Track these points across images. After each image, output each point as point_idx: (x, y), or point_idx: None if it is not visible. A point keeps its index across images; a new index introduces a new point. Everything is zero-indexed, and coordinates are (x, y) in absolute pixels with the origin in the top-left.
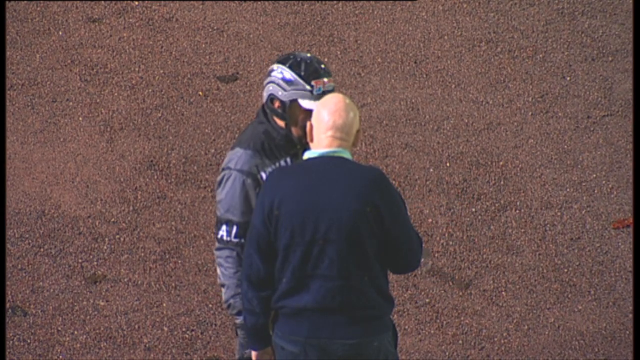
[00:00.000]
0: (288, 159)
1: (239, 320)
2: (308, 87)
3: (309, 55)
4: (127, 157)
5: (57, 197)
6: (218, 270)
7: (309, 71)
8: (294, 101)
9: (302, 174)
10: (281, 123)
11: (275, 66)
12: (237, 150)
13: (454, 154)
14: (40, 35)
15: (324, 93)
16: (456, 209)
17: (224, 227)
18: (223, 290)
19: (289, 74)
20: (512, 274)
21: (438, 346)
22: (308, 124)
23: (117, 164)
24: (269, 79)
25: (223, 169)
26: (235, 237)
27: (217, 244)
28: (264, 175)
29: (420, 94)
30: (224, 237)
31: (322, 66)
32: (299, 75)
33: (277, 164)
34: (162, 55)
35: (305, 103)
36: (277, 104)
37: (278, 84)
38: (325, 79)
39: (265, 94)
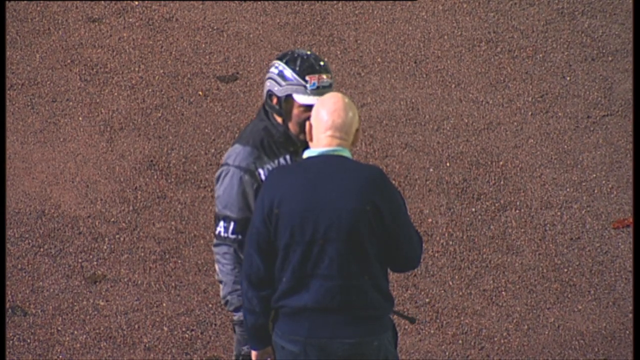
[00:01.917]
0: (287, 156)
1: (236, 316)
2: (302, 82)
3: (308, 52)
4: (127, 157)
5: (57, 197)
6: (216, 267)
7: (304, 66)
8: (289, 96)
9: (301, 173)
10: (279, 119)
11: (273, 62)
12: (236, 146)
13: (454, 154)
14: (40, 35)
15: (319, 88)
16: (456, 209)
17: (221, 223)
18: (221, 286)
19: (284, 69)
20: (512, 274)
21: (438, 346)
22: (307, 123)
23: (117, 164)
24: (267, 75)
25: (221, 165)
26: (233, 233)
27: (215, 240)
28: (262, 172)
29: (420, 94)
30: (222, 233)
31: (321, 63)
32: (294, 71)
33: (276, 161)
34: (162, 55)
35: (299, 98)
36: (274, 100)
37: (274, 80)
38: (324, 75)
39: (264, 91)
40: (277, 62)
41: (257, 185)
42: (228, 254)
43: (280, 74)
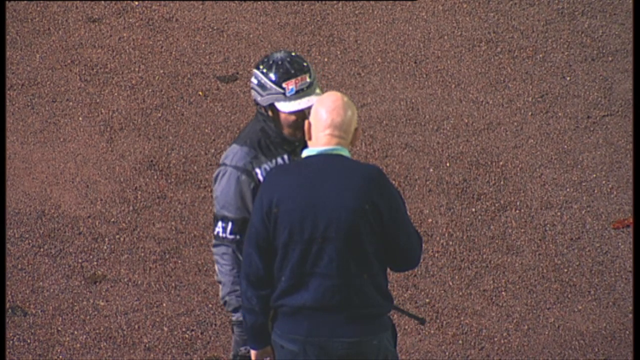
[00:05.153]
0: (285, 156)
1: (235, 317)
2: (280, 90)
3: (287, 54)
4: (127, 157)
5: (57, 197)
6: (216, 267)
7: (280, 73)
8: (272, 105)
9: (300, 172)
10: (272, 125)
11: (253, 70)
12: (234, 146)
13: (454, 154)
14: (40, 35)
15: (298, 92)
16: (456, 209)
17: (219, 224)
18: (220, 287)
19: (262, 78)
20: (512, 274)
21: (438, 346)
22: (306, 122)
23: (117, 164)
24: (250, 85)
25: (219, 165)
26: (231, 233)
27: (214, 241)
28: (259, 172)
29: (420, 94)
30: (220, 234)
31: (296, 65)
32: (270, 80)
33: (274, 161)
34: (162, 55)
35: (281, 106)
36: (262, 108)
37: (256, 90)
38: (300, 77)
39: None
40: (255, 72)
41: (254, 185)
42: (227, 255)
43: (260, 84)
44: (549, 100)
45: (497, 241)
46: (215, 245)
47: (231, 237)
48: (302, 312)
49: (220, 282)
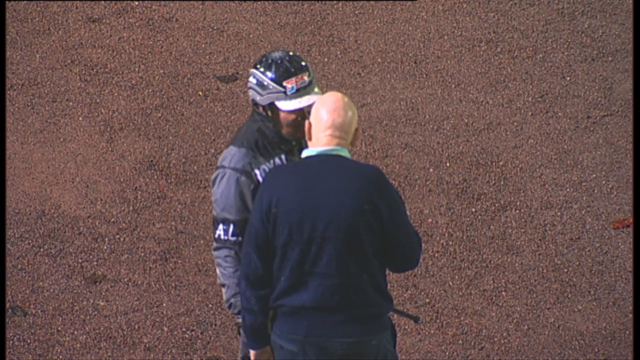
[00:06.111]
0: (283, 156)
1: (240, 319)
2: (281, 89)
3: (285, 53)
4: (127, 157)
5: (57, 197)
6: (217, 271)
7: (280, 72)
8: (272, 104)
9: (300, 172)
10: (270, 124)
11: (251, 70)
12: (232, 148)
13: (454, 154)
14: (40, 35)
15: (299, 91)
16: (456, 209)
17: (220, 226)
18: (224, 290)
19: (261, 78)
20: (512, 274)
21: (438, 346)
22: (307, 122)
23: (117, 164)
24: (248, 84)
25: (217, 167)
26: (233, 235)
27: (215, 244)
28: (257, 173)
29: (420, 94)
30: (222, 236)
31: (295, 64)
32: (270, 78)
33: (272, 161)
34: (162, 55)
35: (282, 105)
36: (260, 108)
37: (255, 90)
38: (300, 76)
39: (250, 99)
40: (254, 71)
41: (254, 186)
42: (229, 257)
43: (259, 84)
44: (549, 100)
45: (497, 241)
46: (216, 249)
47: (233, 239)
48: (301, 312)
49: (223, 285)
